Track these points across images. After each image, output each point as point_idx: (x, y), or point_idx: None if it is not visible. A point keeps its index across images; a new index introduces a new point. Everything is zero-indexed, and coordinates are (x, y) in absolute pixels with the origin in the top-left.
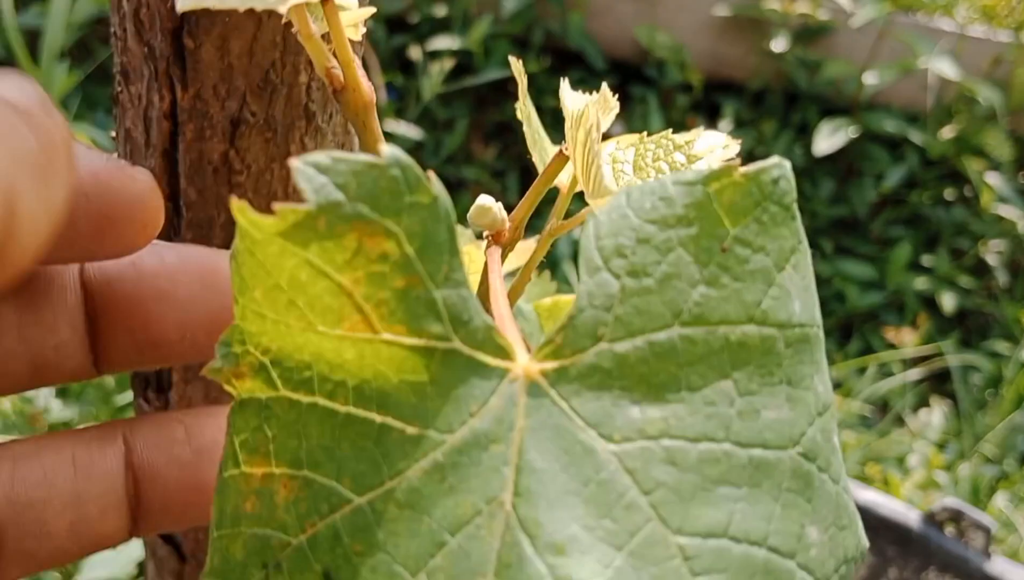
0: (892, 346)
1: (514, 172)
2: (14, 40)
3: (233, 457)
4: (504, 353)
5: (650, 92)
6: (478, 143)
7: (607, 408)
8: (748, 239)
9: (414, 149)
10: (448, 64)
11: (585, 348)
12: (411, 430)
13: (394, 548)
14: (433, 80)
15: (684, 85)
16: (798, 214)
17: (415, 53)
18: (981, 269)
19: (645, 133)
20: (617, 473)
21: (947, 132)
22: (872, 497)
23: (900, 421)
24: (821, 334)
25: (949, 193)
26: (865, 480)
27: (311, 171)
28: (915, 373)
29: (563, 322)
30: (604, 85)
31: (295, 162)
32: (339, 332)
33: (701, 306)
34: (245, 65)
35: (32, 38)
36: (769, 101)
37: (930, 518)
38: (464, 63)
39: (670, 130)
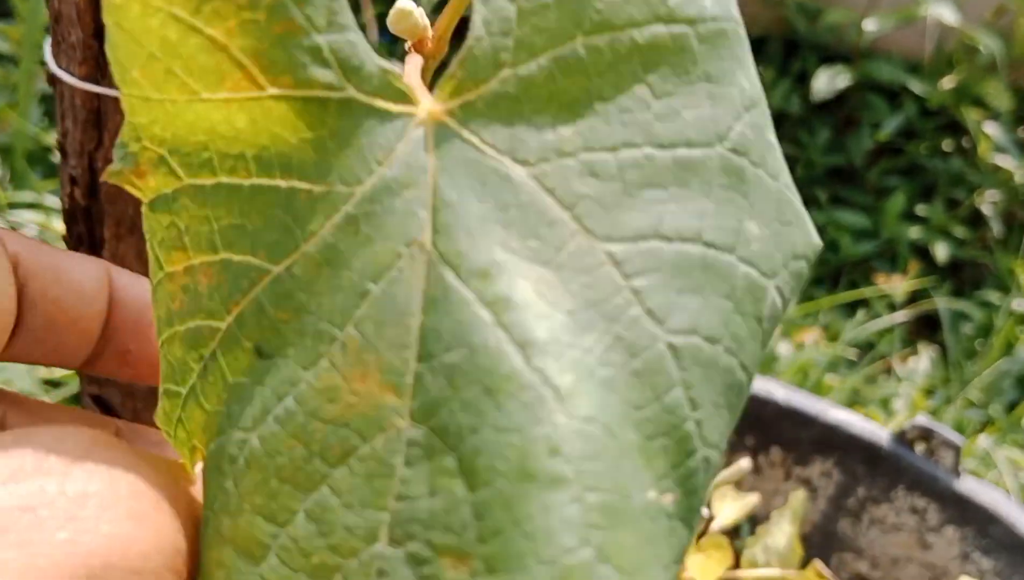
0: (884, 295)
1: None
2: None
3: (156, 262)
4: (405, 97)
5: None
6: None
7: (519, 134)
8: None
9: None
10: None
11: (488, 78)
12: (318, 189)
13: (318, 307)
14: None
15: None
16: None
17: None
18: (976, 220)
19: None
20: (536, 194)
21: (946, 82)
22: (841, 416)
23: (888, 368)
24: (741, 31)
25: (947, 143)
26: None
27: None
28: (903, 318)
29: (462, 55)
30: None
31: None
32: (224, 95)
33: (602, 12)
34: None
35: None
36: (769, 48)
37: (900, 437)
38: None
39: None
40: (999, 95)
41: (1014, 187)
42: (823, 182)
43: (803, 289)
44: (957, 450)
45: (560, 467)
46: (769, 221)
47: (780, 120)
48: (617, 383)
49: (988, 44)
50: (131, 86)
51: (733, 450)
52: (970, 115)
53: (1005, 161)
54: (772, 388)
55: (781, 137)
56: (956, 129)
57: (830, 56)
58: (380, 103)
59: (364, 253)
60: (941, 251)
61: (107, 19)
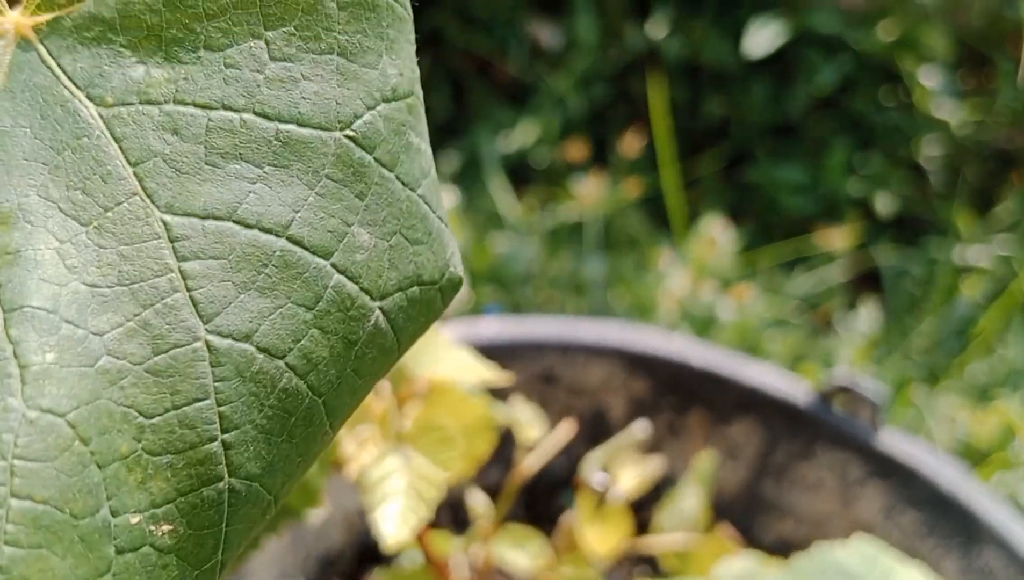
0: (826, 254)
1: (444, 85)
2: None
3: None
4: None
5: None
6: None
7: (103, 67)
8: None
9: None
10: None
11: None
12: None
13: None
14: None
15: None
16: None
17: None
18: (918, 172)
19: None
20: (101, 140)
21: (883, 30)
22: (760, 374)
23: (828, 324)
24: (403, 11)
25: (885, 94)
26: None
27: None
28: (844, 273)
29: None
30: None
31: None
32: None
33: None
34: None
35: None
36: (704, 3)
37: (821, 394)
38: None
39: None
40: (937, 42)
41: (954, 137)
42: (761, 139)
43: (742, 246)
44: (875, 406)
45: None
46: (388, 233)
47: (716, 77)
48: (123, 378)
49: None
50: None
51: (649, 414)
52: (907, 64)
53: (943, 112)
54: (687, 348)
55: (717, 93)
56: (895, 80)
57: (766, 7)
58: None
59: None
60: (882, 204)
61: None
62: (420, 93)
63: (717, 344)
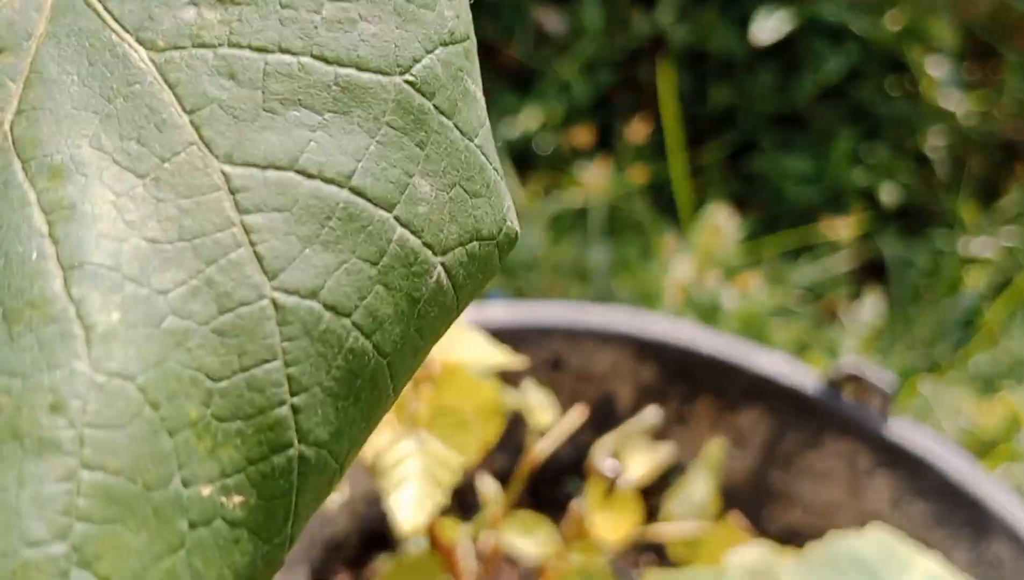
0: (831, 244)
1: None
2: None
3: None
4: None
5: None
6: None
7: (152, 9)
8: None
9: None
10: None
11: None
12: None
13: None
14: None
15: None
16: None
17: None
18: (923, 162)
19: None
20: (154, 86)
21: (890, 19)
22: (769, 362)
23: (833, 313)
24: None
25: (891, 84)
26: None
27: None
28: (848, 262)
29: None
30: None
31: None
32: None
33: None
34: None
35: None
36: None
37: (829, 382)
38: None
39: None
40: (943, 32)
41: (959, 128)
42: (767, 128)
43: (747, 235)
44: (885, 394)
45: (57, 430)
46: (448, 184)
47: (722, 65)
48: (189, 339)
49: None
50: None
51: (657, 401)
52: (914, 55)
53: (949, 102)
54: (696, 334)
55: (723, 81)
56: (902, 70)
57: None
58: None
59: None
60: (887, 195)
61: None
62: (474, 37)
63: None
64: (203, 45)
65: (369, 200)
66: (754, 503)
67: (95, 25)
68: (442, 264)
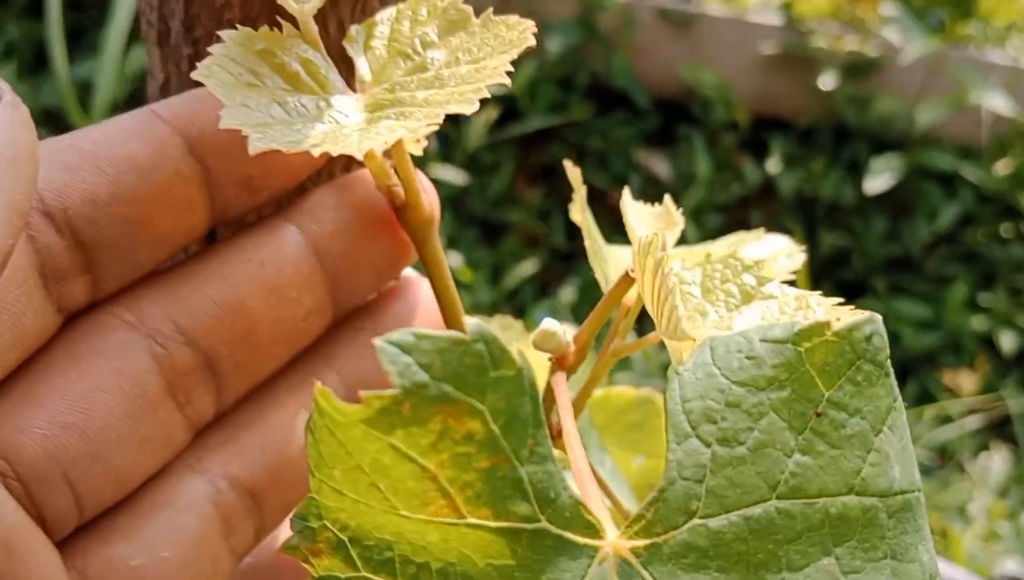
0: (950, 390)
1: (559, 214)
2: (65, 92)
3: None
4: (593, 530)
5: (696, 131)
6: (524, 185)
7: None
8: (843, 402)
9: (460, 194)
10: (493, 113)
11: (678, 524)
12: None
13: None
14: (478, 130)
15: (730, 124)
16: (891, 370)
17: None
18: None
19: (709, 253)
20: None
21: (1002, 167)
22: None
23: (960, 468)
24: (922, 497)
25: (1005, 229)
26: None
27: (395, 351)
28: (975, 419)
29: (654, 495)
30: (667, 198)
31: (377, 341)
32: (423, 517)
33: (798, 477)
34: None
35: (85, 90)
36: (818, 138)
37: None
38: (510, 106)
39: (734, 238)
40: None
41: None
42: (880, 272)
43: None
44: None
45: None
46: None
47: (833, 210)
48: None
49: None
50: (327, 477)
51: None
52: None
53: None
54: None
55: (834, 227)
56: (1014, 214)
57: (881, 144)
58: (569, 535)
59: None
60: (1007, 341)
61: (318, 420)
62: (939, 568)
63: None
64: None
65: None
66: None
67: None
68: None
